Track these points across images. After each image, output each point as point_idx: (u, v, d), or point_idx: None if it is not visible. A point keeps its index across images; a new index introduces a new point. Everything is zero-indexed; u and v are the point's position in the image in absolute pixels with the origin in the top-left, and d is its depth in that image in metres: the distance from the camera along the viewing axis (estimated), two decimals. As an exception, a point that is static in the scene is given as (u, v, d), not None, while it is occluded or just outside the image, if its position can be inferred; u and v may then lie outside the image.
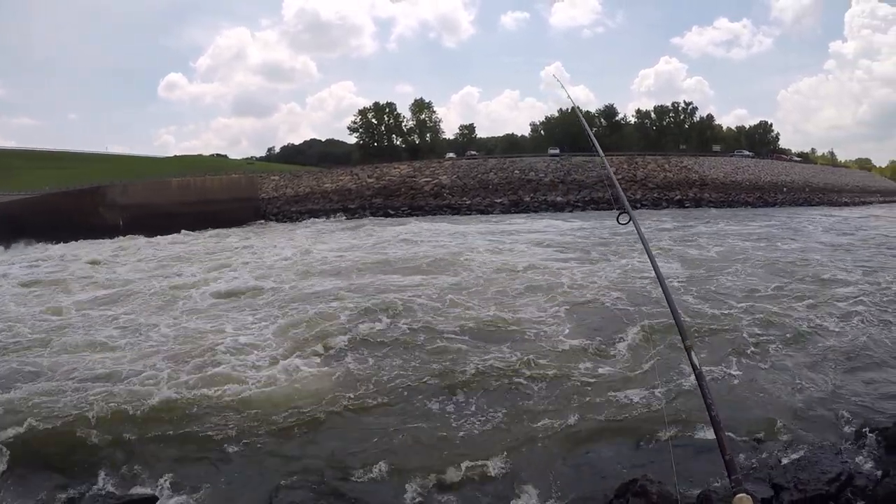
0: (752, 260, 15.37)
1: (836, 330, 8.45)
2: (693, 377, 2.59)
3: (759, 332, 8.28)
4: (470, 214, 44.67)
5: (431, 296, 10.88)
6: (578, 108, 8.50)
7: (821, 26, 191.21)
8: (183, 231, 32.31)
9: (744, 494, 1.93)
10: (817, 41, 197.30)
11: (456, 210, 46.78)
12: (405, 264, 15.67)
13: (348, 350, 7.78)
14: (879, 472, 4.26)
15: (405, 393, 6.37)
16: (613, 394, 6.16)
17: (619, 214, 3.55)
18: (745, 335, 8.05)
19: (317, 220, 43.37)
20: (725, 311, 9.47)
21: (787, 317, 9.05)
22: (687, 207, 47.12)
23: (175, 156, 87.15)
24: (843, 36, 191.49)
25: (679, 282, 11.97)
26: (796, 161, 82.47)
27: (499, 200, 48.85)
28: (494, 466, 4.84)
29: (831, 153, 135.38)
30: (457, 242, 21.46)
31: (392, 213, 46.15)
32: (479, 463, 4.87)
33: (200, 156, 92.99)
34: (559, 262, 15.52)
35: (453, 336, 8.28)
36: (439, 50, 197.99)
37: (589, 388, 6.35)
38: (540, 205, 47.54)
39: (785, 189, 56.98)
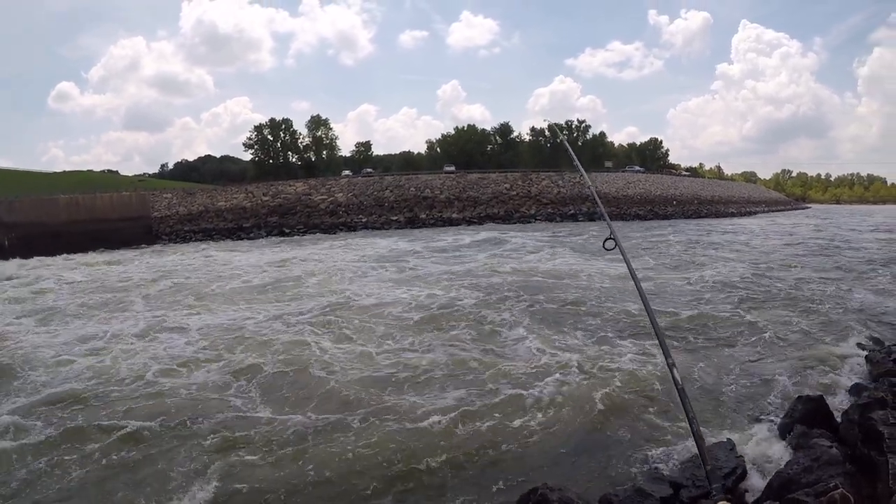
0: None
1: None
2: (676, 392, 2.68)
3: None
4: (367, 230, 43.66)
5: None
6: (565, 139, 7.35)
7: (709, 49, 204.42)
8: (65, 255, 29.79)
9: (724, 501, 2.16)
10: (706, 63, 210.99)
11: (352, 228, 45.49)
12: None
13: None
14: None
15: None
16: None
17: (605, 241, 3.81)
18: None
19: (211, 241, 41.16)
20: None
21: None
22: (580, 221, 47.48)
23: (64, 171, 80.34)
24: (729, 58, 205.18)
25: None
26: (685, 175, 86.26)
27: (395, 218, 47.96)
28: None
29: (718, 167, 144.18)
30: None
31: (287, 231, 44.84)
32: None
33: (91, 171, 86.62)
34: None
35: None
36: (337, 67, 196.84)
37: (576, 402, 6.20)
38: (436, 221, 46.88)
39: (675, 202, 59.15)
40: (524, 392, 6.41)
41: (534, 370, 7.20)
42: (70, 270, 21.42)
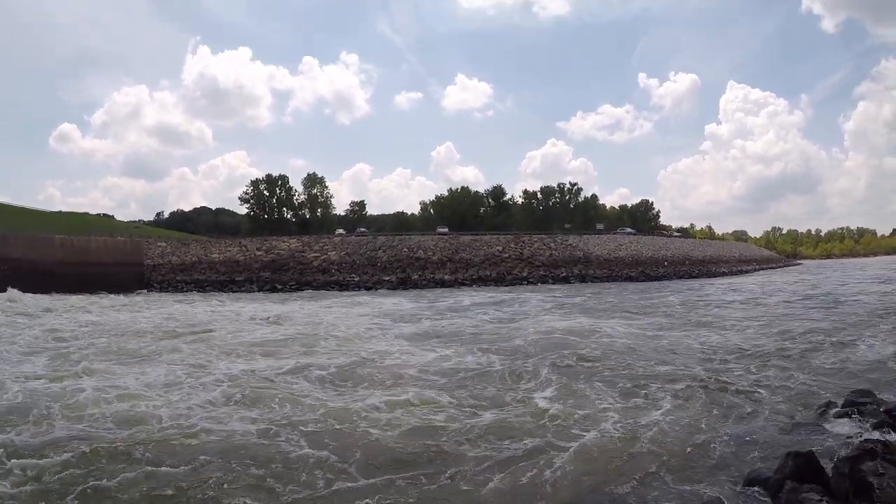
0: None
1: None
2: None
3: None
4: (358, 290, 43.25)
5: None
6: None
7: (698, 110, 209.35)
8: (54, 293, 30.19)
9: None
10: (694, 124, 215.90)
11: (344, 286, 45.31)
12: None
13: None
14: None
15: None
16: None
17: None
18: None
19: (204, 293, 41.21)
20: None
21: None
22: (572, 283, 47.71)
23: (60, 211, 79.99)
24: (717, 119, 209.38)
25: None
26: (676, 236, 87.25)
27: (387, 278, 47.93)
28: None
29: (709, 227, 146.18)
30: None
31: (279, 287, 44.81)
32: None
33: (87, 214, 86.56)
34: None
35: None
36: (334, 126, 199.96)
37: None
38: (428, 283, 46.89)
39: (666, 263, 59.56)
40: (559, 445, 6.52)
41: (569, 426, 7.29)
42: (83, 313, 21.66)
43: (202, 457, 6.18)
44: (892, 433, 5.99)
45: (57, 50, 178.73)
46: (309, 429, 7.17)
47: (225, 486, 5.52)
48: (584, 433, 6.93)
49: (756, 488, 5.29)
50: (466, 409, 8.12)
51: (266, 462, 6.10)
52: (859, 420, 6.83)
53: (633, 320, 18.78)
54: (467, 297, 31.89)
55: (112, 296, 33.93)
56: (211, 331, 16.73)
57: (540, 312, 22.00)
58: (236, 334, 16.00)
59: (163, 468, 5.80)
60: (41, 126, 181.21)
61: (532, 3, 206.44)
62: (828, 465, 5.23)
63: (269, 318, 20.17)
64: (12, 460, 5.90)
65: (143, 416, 7.54)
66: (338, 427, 7.24)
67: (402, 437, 6.88)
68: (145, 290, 41.96)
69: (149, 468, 5.81)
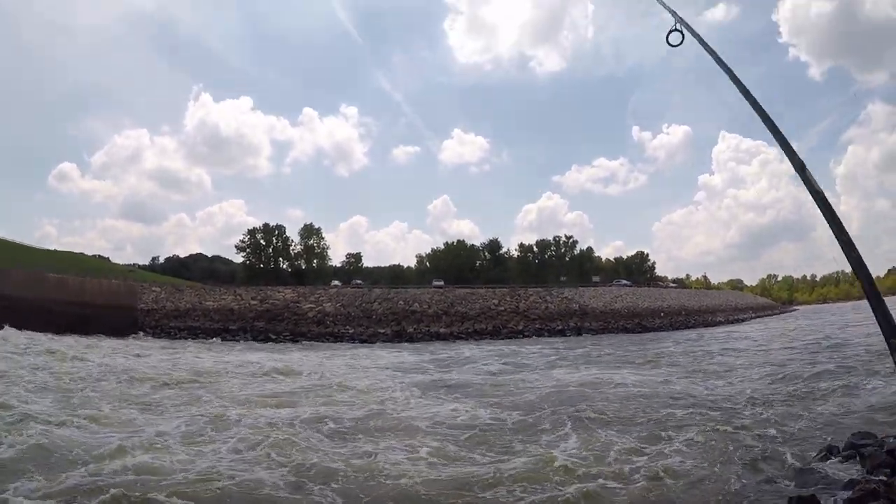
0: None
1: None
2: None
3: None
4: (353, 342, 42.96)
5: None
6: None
7: (691, 161, 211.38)
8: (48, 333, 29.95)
9: None
10: (688, 175, 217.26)
11: (339, 338, 44.98)
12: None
13: None
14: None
15: None
16: None
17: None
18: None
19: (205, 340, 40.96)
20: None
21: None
22: (568, 336, 47.50)
23: (55, 250, 79.38)
24: (710, 169, 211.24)
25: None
26: (672, 287, 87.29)
27: (382, 331, 47.64)
28: None
29: (705, 277, 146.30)
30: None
31: (274, 337, 44.25)
32: None
33: (82, 255, 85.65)
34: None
35: None
36: (332, 177, 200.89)
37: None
38: (423, 335, 46.58)
39: (662, 314, 59.47)
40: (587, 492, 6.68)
41: (594, 474, 7.39)
42: (85, 356, 21.55)
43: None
44: (895, 474, 5.96)
45: (59, 87, 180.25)
46: (339, 481, 7.12)
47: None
48: (608, 480, 7.09)
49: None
50: (489, 460, 8.11)
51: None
52: (861, 462, 6.84)
53: (641, 371, 18.81)
54: (467, 349, 31.72)
55: (108, 339, 33.63)
56: (221, 380, 16.68)
57: (544, 365, 22.00)
58: (247, 384, 15.91)
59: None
60: (41, 163, 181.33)
61: (529, 58, 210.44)
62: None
63: (275, 368, 20.04)
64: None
65: (165, 467, 7.44)
66: (364, 478, 7.21)
67: (429, 489, 6.86)
68: (141, 333, 41.41)
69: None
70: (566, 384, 15.79)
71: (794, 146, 5.90)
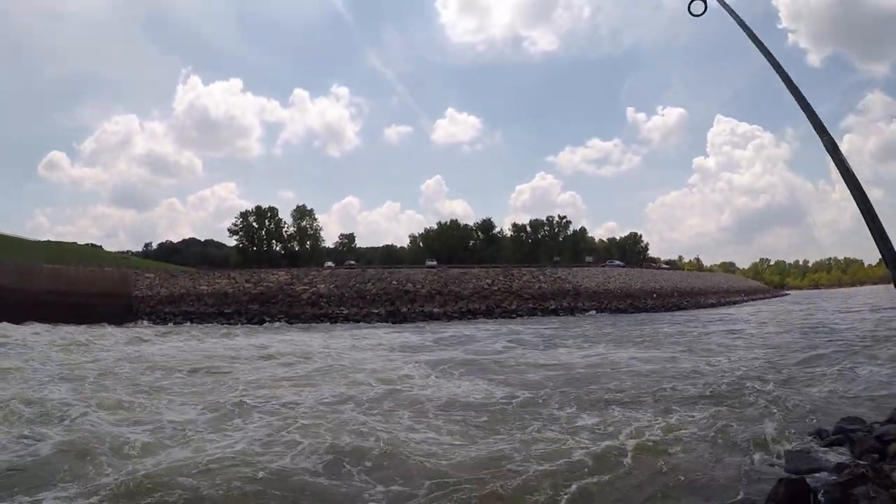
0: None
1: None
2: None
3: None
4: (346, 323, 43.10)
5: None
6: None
7: (686, 144, 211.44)
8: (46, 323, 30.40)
9: None
10: (682, 157, 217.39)
11: (333, 319, 45.15)
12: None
13: None
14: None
15: None
16: None
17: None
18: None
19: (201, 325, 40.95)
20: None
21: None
22: (561, 315, 47.69)
23: (48, 240, 78.87)
24: (705, 152, 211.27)
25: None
26: (665, 268, 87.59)
27: (376, 311, 47.79)
28: None
29: (697, 259, 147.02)
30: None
31: (268, 320, 44.60)
32: None
33: (75, 244, 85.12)
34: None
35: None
36: (324, 158, 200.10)
37: None
38: (417, 316, 46.75)
39: (654, 295, 59.72)
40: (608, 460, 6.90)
41: (615, 444, 7.72)
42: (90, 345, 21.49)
43: (273, 491, 6.24)
44: (883, 458, 6.05)
45: (47, 76, 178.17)
46: (371, 461, 7.22)
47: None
48: (625, 446, 7.55)
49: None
50: (512, 439, 8.23)
51: (338, 495, 6.23)
52: (850, 446, 6.94)
53: (645, 351, 19.10)
54: (466, 329, 32.00)
55: (109, 327, 33.53)
56: (235, 365, 16.62)
57: (546, 345, 22.31)
58: (262, 368, 15.90)
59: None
60: (30, 152, 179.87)
61: (522, 38, 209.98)
62: (820, 491, 5.31)
63: (284, 351, 20.17)
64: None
65: (197, 457, 7.38)
66: (395, 458, 7.31)
67: (458, 468, 6.97)
68: (144, 322, 41.58)
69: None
70: (574, 363, 16.04)
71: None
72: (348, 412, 9.88)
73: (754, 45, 6.24)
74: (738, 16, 6.55)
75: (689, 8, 7.00)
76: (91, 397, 11.11)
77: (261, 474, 6.71)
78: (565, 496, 6.11)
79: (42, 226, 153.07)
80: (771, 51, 5.93)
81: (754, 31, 6.30)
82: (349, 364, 16.28)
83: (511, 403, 10.72)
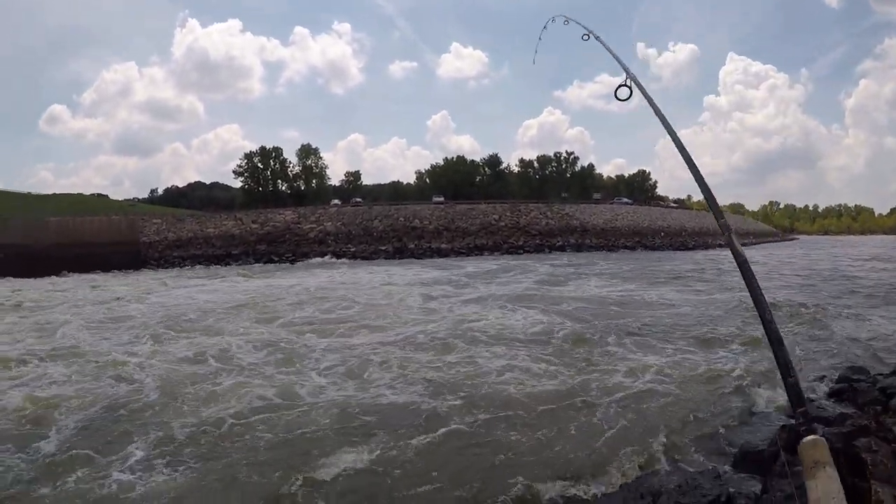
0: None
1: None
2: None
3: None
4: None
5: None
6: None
7: (697, 82, 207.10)
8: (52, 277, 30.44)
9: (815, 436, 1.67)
10: (693, 95, 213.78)
11: (340, 257, 45.46)
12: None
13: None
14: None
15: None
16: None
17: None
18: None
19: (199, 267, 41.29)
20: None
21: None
22: (567, 252, 47.70)
23: (54, 194, 78.82)
24: (717, 91, 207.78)
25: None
26: (673, 207, 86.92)
27: (383, 248, 47.93)
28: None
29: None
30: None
31: (276, 259, 44.85)
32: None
33: (81, 195, 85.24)
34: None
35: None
36: (327, 96, 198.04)
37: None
38: (424, 252, 46.84)
39: (662, 233, 59.45)
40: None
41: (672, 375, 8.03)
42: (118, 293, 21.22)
43: (356, 424, 6.34)
44: (886, 411, 5.97)
45: (42, 30, 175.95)
46: (465, 392, 7.34)
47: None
48: (666, 378, 7.88)
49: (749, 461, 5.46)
50: (582, 368, 8.46)
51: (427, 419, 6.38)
52: (853, 396, 6.85)
53: (675, 288, 19.44)
54: (483, 263, 32.48)
55: (122, 274, 33.71)
56: (279, 306, 15.98)
57: (574, 280, 22.55)
58: (311, 309, 15.32)
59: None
60: (30, 108, 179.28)
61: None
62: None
63: (321, 289, 20.07)
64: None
65: (307, 409, 6.90)
66: (483, 390, 7.43)
67: (538, 399, 7.06)
68: (156, 266, 41.87)
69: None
70: (608, 299, 16.39)
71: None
72: (424, 349, 9.93)
73: None
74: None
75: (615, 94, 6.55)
76: (152, 346, 10.70)
77: (378, 413, 6.71)
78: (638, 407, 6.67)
79: (46, 180, 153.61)
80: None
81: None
82: (396, 303, 16.23)
83: (571, 335, 10.87)
